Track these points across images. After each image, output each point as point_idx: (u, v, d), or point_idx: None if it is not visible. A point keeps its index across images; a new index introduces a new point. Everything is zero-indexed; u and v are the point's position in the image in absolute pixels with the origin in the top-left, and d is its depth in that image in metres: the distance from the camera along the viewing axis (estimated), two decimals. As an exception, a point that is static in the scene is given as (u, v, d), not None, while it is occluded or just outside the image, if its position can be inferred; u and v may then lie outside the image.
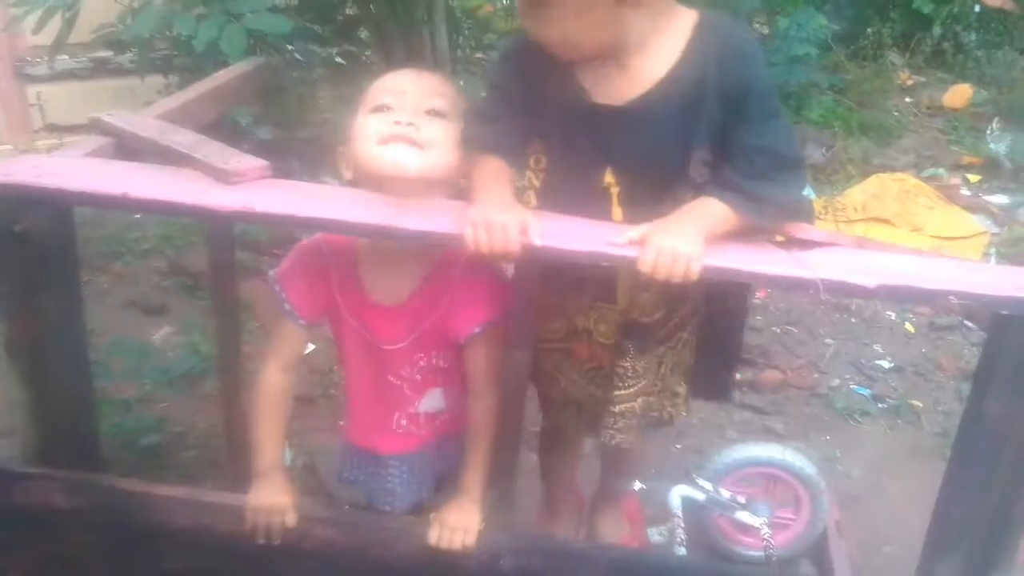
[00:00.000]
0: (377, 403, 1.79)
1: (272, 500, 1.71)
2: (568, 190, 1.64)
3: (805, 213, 1.68)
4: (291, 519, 1.71)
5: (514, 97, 1.63)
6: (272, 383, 1.75)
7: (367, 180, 1.62)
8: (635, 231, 1.46)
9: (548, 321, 1.76)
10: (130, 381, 2.62)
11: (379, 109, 1.63)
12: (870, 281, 1.44)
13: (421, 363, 1.75)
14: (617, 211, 1.63)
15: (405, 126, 1.59)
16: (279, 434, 1.76)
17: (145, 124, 1.80)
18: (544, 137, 1.66)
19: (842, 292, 1.52)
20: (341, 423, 1.93)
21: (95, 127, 1.82)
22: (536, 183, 1.70)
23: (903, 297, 1.50)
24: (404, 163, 1.58)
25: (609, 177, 1.62)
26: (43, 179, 1.52)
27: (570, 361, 1.80)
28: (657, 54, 1.56)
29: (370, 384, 1.78)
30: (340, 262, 1.71)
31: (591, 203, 1.61)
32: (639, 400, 1.76)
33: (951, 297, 1.44)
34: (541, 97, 1.61)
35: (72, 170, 1.58)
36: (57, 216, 1.58)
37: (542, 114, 1.62)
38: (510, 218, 1.46)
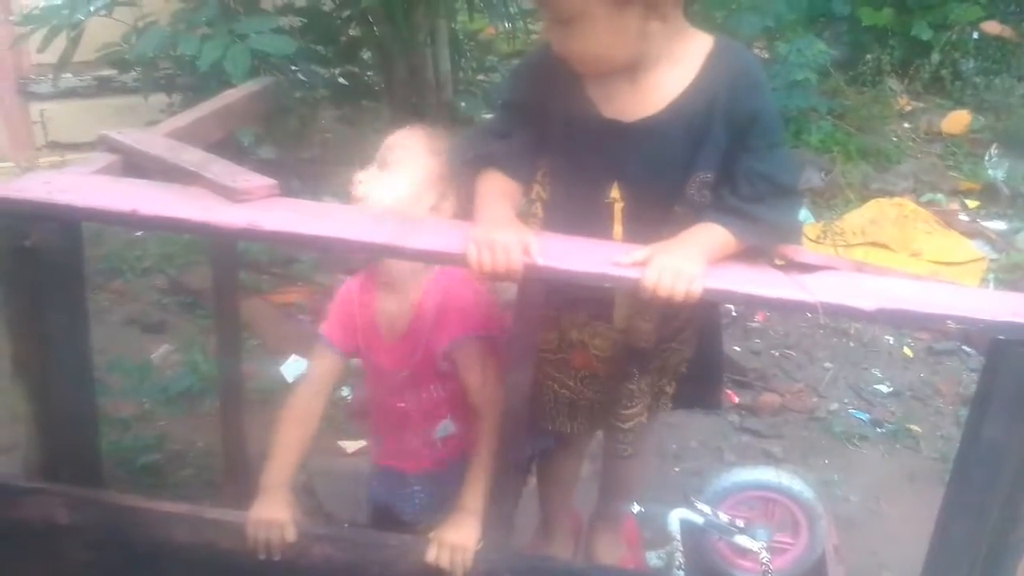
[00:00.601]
0: (394, 428, 1.88)
1: (272, 515, 1.71)
2: (572, 204, 1.66)
3: (796, 237, 1.71)
4: (290, 534, 1.71)
5: (525, 112, 1.65)
6: (300, 402, 1.80)
7: None
8: (639, 252, 1.48)
9: (542, 333, 1.77)
10: (129, 399, 2.62)
11: None
12: (869, 304, 1.44)
13: (423, 394, 1.83)
14: (618, 227, 1.65)
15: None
16: (294, 455, 1.78)
17: (153, 142, 1.81)
18: (552, 150, 1.68)
19: (841, 315, 1.53)
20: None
21: (104, 144, 1.84)
22: (544, 195, 1.72)
23: (902, 321, 1.51)
24: None
25: (615, 192, 1.63)
26: (54, 195, 1.53)
27: (563, 369, 1.82)
28: (671, 74, 1.58)
29: (387, 411, 1.87)
30: (364, 302, 1.81)
31: (593, 218, 1.63)
32: (645, 413, 1.82)
33: (949, 322, 1.45)
34: (551, 111, 1.63)
35: (82, 187, 1.59)
36: (66, 232, 1.59)
37: (551, 128, 1.64)
38: (512, 237, 1.47)
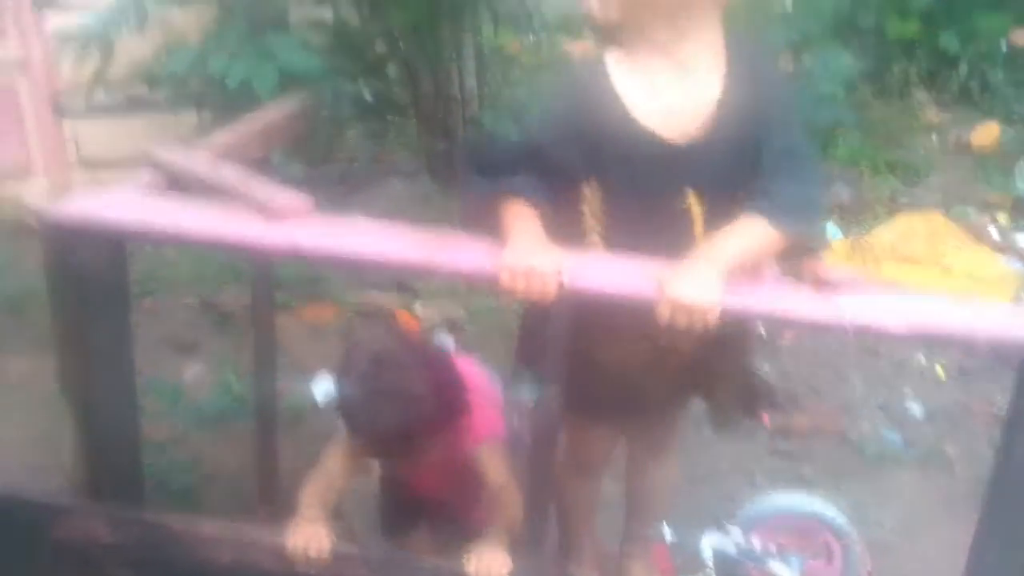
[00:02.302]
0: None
1: (309, 528, 1.74)
2: (642, 217, 1.65)
3: (817, 216, 1.76)
4: (327, 547, 1.73)
5: (556, 139, 1.64)
6: (333, 457, 1.88)
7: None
8: (656, 272, 1.48)
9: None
10: (163, 421, 2.63)
11: None
12: (898, 323, 1.45)
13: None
14: (699, 228, 1.66)
15: None
16: (325, 504, 1.84)
17: (195, 160, 1.85)
18: (601, 171, 1.66)
19: (870, 333, 1.53)
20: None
21: (147, 162, 1.87)
22: (596, 215, 1.70)
23: (931, 339, 1.51)
24: None
25: (690, 198, 1.64)
26: (101, 213, 1.57)
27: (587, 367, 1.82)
28: (704, 81, 1.60)
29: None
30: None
31: (668, 227, 1.63)
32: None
33: (979, 340, 1.44)
34: (592, 135, 1.62)
35: (127, 205, 1.63)
36: (111, 249, 1.63)
37: (595, 150, 1.63)
38: (547, 262, 1.48)
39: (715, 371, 1.84)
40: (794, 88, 1.74)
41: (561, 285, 1.47)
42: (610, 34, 1.64)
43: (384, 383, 1.70)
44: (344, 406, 1.79)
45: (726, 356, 1.84)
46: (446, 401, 1.74)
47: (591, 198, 1.69)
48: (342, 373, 1.77)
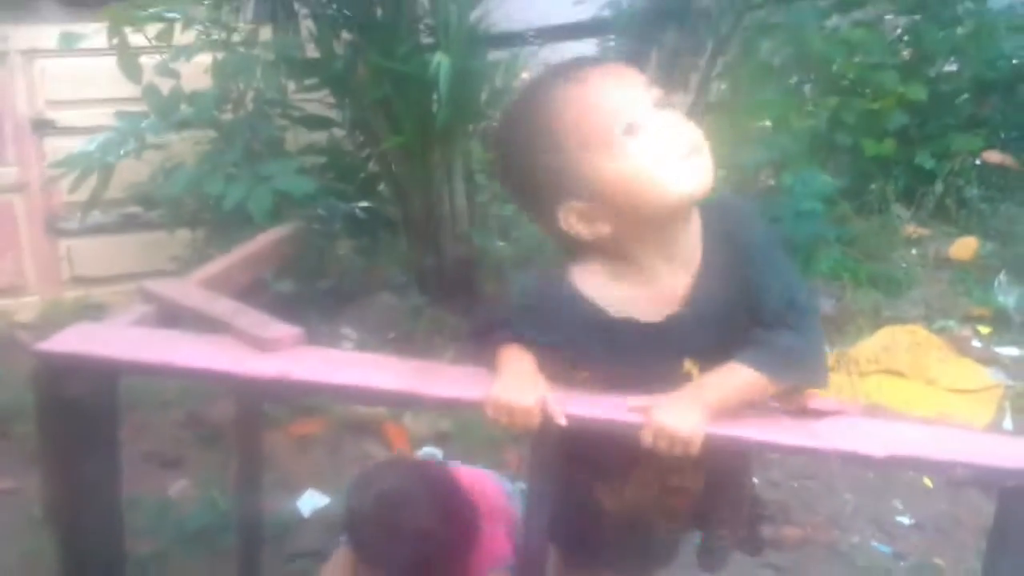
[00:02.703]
0: None
1: None
2: (639, 388, 1.61)
3: (823, 369, 1.67)
4: None
5: (540, 343, 1.63)
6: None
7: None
8: (640, 401, 1.53)
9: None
10: (146, 537, 2.62)
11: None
12: (879, 451, 1.48)
13: None
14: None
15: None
16: None
17: (187, 292, 1.90)
18: (592, 361, 1.66)
19: (852, 462, 1.56)
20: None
21: (141, 295, 1.92)
22: (595, 387, 1.68)
23: (912, 467, 1.54)
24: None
25: (687, 365, 1.64)
26: (93, 348, 1.60)
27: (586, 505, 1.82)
28: (681, 258, 1.60)
29: None
30: None
31: (668, 391, 1.60)
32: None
33: (957, 469, 1.47)
34: (575, 340, 1.62)
35: (119, 339, 1.67)
36: (103, 383, 1.66)
37: (582, 348, 1.64)
38: (531, 398, 1.52)
39: (717, 505, 1.83)
40: (775, 236, 1.70)
41: (544, 416, 1.51)
42: (589, 248, 1.62)
43: (397, 520, 1.72)
44: (354, 537, 1.80)
45: (727, 489, 1.83)
46: (458, 531, 1.76)
47: (589, 373, 1.69)
48: (352, 505, 1.79)
